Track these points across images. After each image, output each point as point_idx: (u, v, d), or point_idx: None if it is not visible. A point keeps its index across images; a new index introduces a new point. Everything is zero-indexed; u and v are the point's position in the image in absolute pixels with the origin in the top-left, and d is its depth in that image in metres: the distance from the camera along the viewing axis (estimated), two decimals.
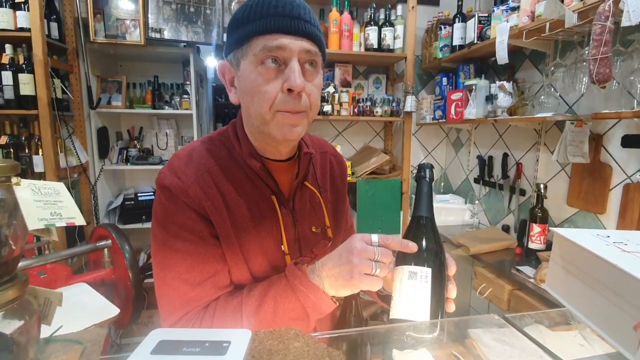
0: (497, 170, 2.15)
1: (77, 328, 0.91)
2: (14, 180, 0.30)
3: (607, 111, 1.30)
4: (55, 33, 1.99)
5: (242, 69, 0.62)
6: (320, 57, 0.64)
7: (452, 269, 0.59)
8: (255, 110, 0.62)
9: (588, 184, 1.56)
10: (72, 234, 2.08)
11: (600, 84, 1.19)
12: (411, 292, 0.54)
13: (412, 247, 0.55)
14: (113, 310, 1.16)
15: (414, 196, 2.52)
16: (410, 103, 2.23)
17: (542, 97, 1.64)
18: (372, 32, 2.16)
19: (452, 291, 0.58)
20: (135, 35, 2.11)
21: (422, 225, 0.58)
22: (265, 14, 0.58)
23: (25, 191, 0.30)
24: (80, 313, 1.12)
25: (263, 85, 0.59)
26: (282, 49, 0.58)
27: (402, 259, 0.57)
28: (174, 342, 0.38)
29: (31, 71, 1.82)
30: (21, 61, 1.85)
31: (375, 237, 0.57)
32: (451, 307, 0.58)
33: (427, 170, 0.59)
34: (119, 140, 2.42)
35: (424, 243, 0.56)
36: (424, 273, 0.54)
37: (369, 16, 2.18)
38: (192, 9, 2.16)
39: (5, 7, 1.80)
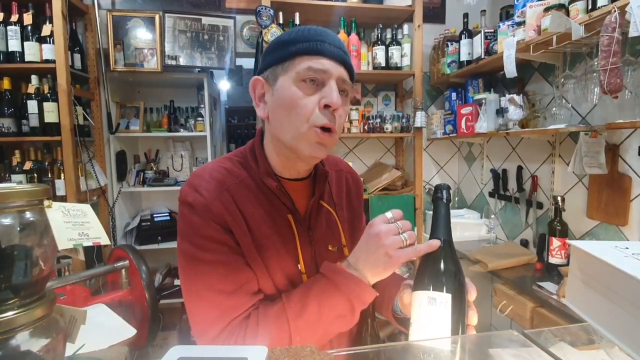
0: (512, 184, 2.11)
1: (95, 349, 0.91)
2: (46, 203, 0.32)
3: (621, 121, 1.28)
4: (78, 64, 2.11)
5: (279, 84, 0.65)
6: (351, 88, 0.68)
7: (472, 294, 0.58)
8: (289, 124, 0.64)
9: (607, 195, 1.52)
10: (91, 256, 2.13)
11: (612, 94, 1.18)
12: (431, 318, 0.52)
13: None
14: (130, 331, 1.17)
15: (427, 212, 2.49)
16: (420, 119, 2.25)
17: (554, 108, 1.63)
18: (379, 51, 2.21)
19: (472, 318, 0.56)
20: (152, 63, 2.21)
21: (440, 249, 0.56)
22: (311, 38, 0.63)
23: (56, 213, 0.32)
24: (98, 334, 1.13)
25: (302, 99, 0.63)
26: (324, 72, 0.63)
27: (421, 283, 0.55)
28: (193, 359, 0.39)
29: (55, 100, 1.92)
30: (46, 91, 1.95)
31: (389, 214, 0.60)
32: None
33: (444, 191, 0.57)
34: (136, 163, 2.49)
35: (442, 267, 0.55)
36: (444, 299, 0.52)
37: (376, 36, 2.24)
38: (206, 37, 2.26)
39: (32, 40, 1.92)
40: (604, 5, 1.23)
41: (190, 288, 0.65)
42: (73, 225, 0.33)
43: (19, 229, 0.33)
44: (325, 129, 0.64)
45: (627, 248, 0.46)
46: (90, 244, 0.33)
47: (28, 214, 0.32)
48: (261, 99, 0.70)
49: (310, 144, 0.64)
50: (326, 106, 0.63)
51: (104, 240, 0.35)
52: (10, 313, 0.32)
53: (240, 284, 0.64)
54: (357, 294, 0.60)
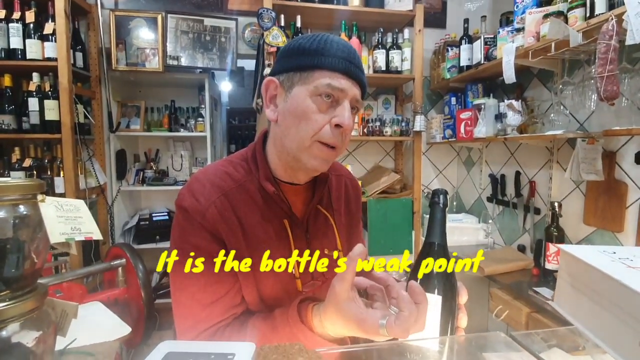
0: (510, 189, 2.12)
1: (87, 344, 0.92)
2: (39, 197, 0.33)
3: (618, 128, 1.29)
4: (80, 62, 2.12)
5: (294, 93, 0.64)
6: (362, 106, 0.69)
7: (463, 297, 0.58)
8: (297, 134, 0.64)
9: (604, 201, 1.52)
10: (88, 253, 2.13)
11: (609, 101, 1.19)
12: None
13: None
14: (125, 329, 1.17)
15: (425, 216, 2.49)
16: (419, 123, 2.25)
17: (552, 115, 1.64)
18: (380, 55, 2.22)
19: (462, 320, 0.57)
20: (154, 63, 2.22)
21: (433, 252, 0.56)
22: (333, 53, 0.63)
23: (49, 207, 0.33)
24: (93, 331, 1.13)
25: (315, 113, 0.63)
26: (342, 91, 0.63)
27: None
28: (181, 354, 0.39)
29: (56, 98, 1.92)
30: (47, 88, 1.96)
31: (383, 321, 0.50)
32: None
33: (441, 196, 0.58)
34: (136, 162, 2.50)
35: (434, 270, 0.56)
36: (434, 301, 0.53)
37: (376, 40, 2.25)
38: (207, 37, 2.27)
39: (34, 38, 1.93)
40: (602, 13, 1.24)
41: (174, 292, 0.67)
42: (66, 219, 0.33)
43: (12, 222, 0.33)
44: (330, 146, 0.65)
45: (614, 253, 0.47)
46: (82, 238, 0.34)
47: (22, 208, 0.33)
48: (272, 100, 0.69)
49: (313, 158, 0.65)
50: (337, 126, 0.63)
51: (96, 235, 0.36)
52: (0, 305, 0.33)
53: (219, 297, 0.65)
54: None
